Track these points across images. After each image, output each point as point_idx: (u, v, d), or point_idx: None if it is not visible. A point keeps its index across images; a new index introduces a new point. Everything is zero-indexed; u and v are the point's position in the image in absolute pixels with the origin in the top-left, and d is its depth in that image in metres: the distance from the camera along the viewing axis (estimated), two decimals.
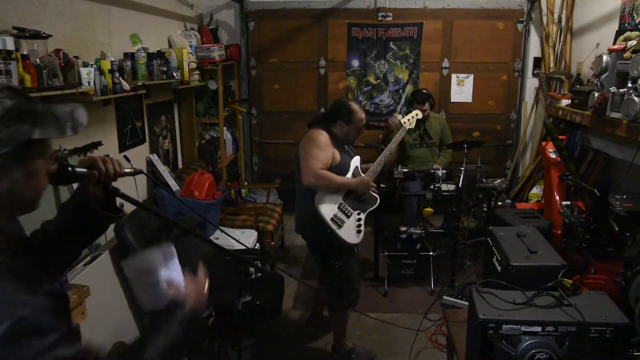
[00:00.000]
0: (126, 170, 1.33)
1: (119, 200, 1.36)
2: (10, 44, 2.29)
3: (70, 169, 1.20)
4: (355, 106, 3.18)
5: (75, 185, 1.31)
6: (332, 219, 3.03)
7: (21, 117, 0.96)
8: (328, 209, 3.04)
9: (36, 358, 0.88)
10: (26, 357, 0.87)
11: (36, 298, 0.94)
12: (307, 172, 3.01)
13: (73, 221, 1.30)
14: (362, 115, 3.20)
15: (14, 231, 1.12)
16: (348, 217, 3.12)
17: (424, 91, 4.96)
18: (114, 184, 1.31)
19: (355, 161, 3.25)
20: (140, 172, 1.42)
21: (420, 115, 3.63)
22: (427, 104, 4.85)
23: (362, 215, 3.20)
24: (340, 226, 3.06)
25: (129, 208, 3.38)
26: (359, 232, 3.18)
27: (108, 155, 1.31)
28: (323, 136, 3.08)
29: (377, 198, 3.30)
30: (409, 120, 3.53)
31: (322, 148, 3.04)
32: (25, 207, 1.08)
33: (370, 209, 3.30)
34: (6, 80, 2.19)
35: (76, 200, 1.29)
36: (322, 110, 6.02)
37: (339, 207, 3.10)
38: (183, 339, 1.19)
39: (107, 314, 2.90)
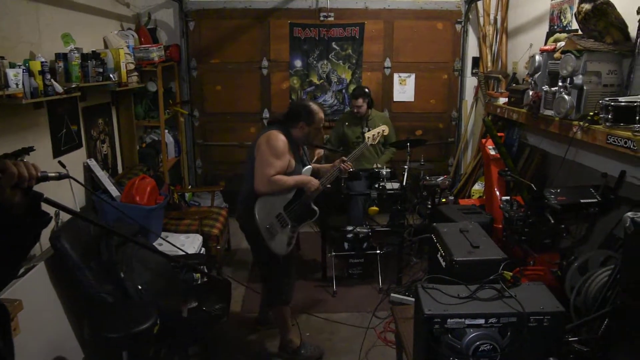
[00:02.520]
0: (50, 174, 1.28)
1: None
2: None
3: None
4: (315, 107, 3.20)
5: None
6: (266, 228, 3.04)
7: None
8: (265, 217, 3.05)
9: None
10: None
11: None
12: (260, 179, 3.01)
13: None
14: (322, 115, 3.23)
15: None
16: (283, 227, 3.15)
17: (364, 89, 5.00)
18: (39, 188, 1.25)
19: (307, 171, 3.27)
20: (66, 176, 1.37)
21: (387, 132, 3.62)
22: (360, 99, 4.88)
23: (297, 228, 3.25)
24: (272, 236, 3.08)
25: (65, 216, 3.24)
26: (289, 244, 3.21)
27: (22, 159, 1.25)
28: (281, 142, 3.03)
29: (316, 211, 3.34)
30: (372, 136, 3.52)
31: (279, 156, 3.02)
32: None
33: (308, 222, 3.37)
34: None
35: None
36: (267, 111, 5.98)
37: (277, 217, 3.11)
38: None
39: (43, 329, 2.74)
